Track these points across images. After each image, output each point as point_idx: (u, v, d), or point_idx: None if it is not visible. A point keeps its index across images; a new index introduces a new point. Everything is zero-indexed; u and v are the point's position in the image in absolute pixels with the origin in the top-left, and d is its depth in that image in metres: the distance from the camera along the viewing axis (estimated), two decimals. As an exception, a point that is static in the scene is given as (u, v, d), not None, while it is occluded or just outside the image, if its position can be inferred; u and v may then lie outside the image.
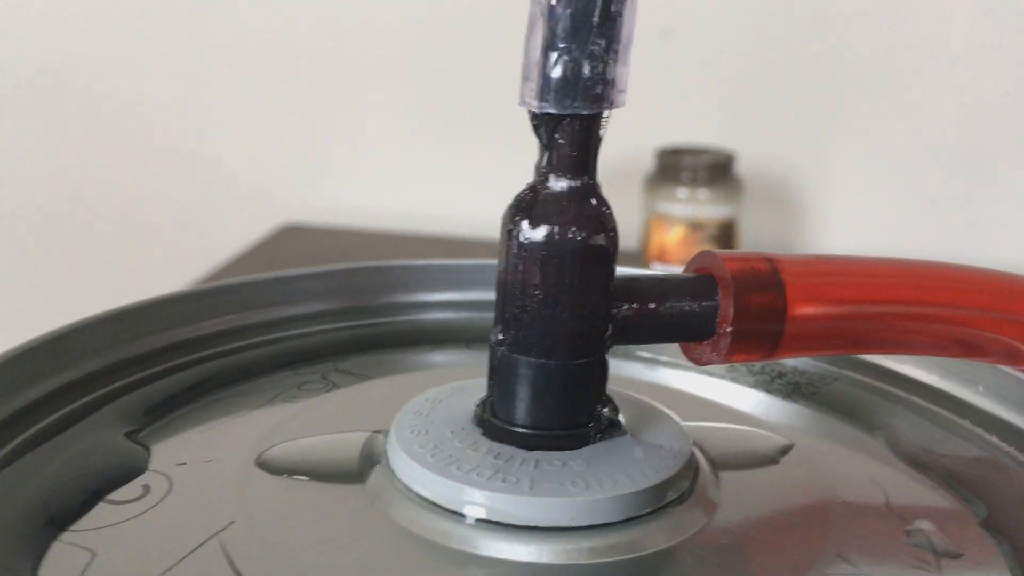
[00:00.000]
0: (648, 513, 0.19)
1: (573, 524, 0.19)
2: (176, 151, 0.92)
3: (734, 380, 0.26)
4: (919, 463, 0.23)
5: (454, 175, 0.87)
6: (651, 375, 0.27)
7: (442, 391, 0.22)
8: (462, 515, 0.19)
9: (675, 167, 0.78)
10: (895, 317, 0.22)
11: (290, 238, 0.88)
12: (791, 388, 0.26)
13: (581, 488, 0.19)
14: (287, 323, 0.27)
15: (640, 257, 0.79)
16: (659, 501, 0.19)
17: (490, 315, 0.27)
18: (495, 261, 0.30)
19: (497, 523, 0.19)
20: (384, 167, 0.89)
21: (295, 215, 0.91)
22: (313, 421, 0.23)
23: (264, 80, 0.89)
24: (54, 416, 0.21)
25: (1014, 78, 0.79)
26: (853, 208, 0.84)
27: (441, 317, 0.29)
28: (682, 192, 0.78)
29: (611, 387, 0.21)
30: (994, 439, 0.23)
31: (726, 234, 0.78)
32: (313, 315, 0.27)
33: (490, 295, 0.28)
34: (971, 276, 0.23)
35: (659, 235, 0.79)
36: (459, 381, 0.23)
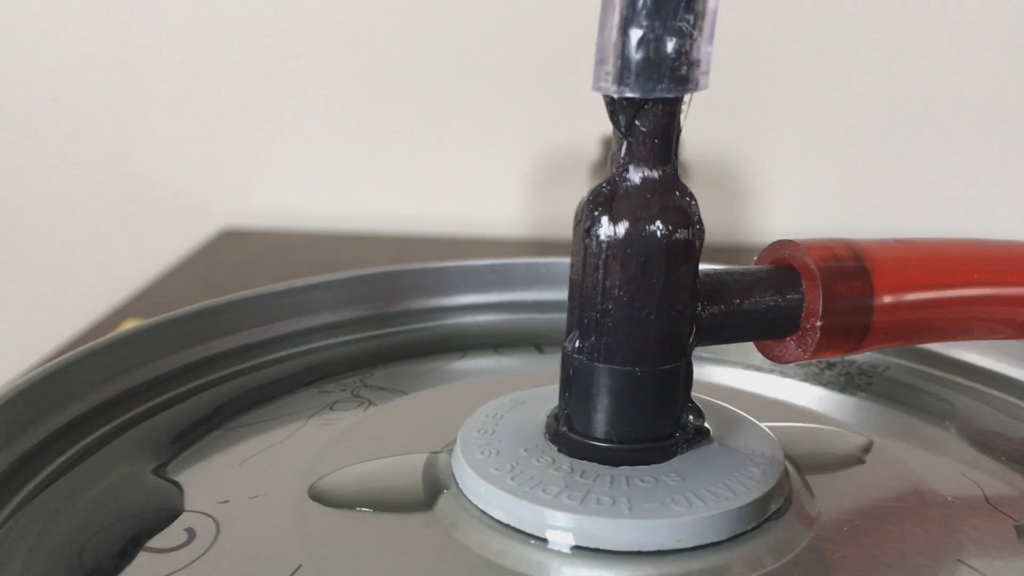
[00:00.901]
0: (752, 529, 0.18)
1: (679, 547, 0.17)
2: (106, 161, 0.87)
3: (783, 374, 0.25)
4: (999, 453, 0.22)
5: (389, 172, 0.85)
6: (697, 373, 0.25)
7: (500, 405, 0.20)
8: (551, 542, 0.17)
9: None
10: (971, 301, 0.21)
11: (229, 243, 0.84)
12: (844, 380, 0.25)
13: (684, 506, 0.17)
14: (300, 337, 0.25)
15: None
16: (763, 515, 0.18)
17: (514, 316, 0.25)
18: (512, 260, 0.28)
19: (593, 549, 0.17)
20: (319, 167, 0.86)
21: (232, 220, 0.88)
22: (361, 444, 0.20)
23: (193, 84, 0.85)
24: (68, 454, 0.19)
25: (945, 52, 0.80)
26: (797, 188, 0.85)
27: (463, 321, 0.27)
28: (632, 180, 0.77)
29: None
30: (1066, 423, 0.23)
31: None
32: (328, 327, 0.25)
33: (512, 296, 0.26)
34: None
35: (611, 224, 0.78)
36: (515, 392, 0.21)
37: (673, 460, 0.19)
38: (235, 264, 0.80)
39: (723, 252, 0.84)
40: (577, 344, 0.18)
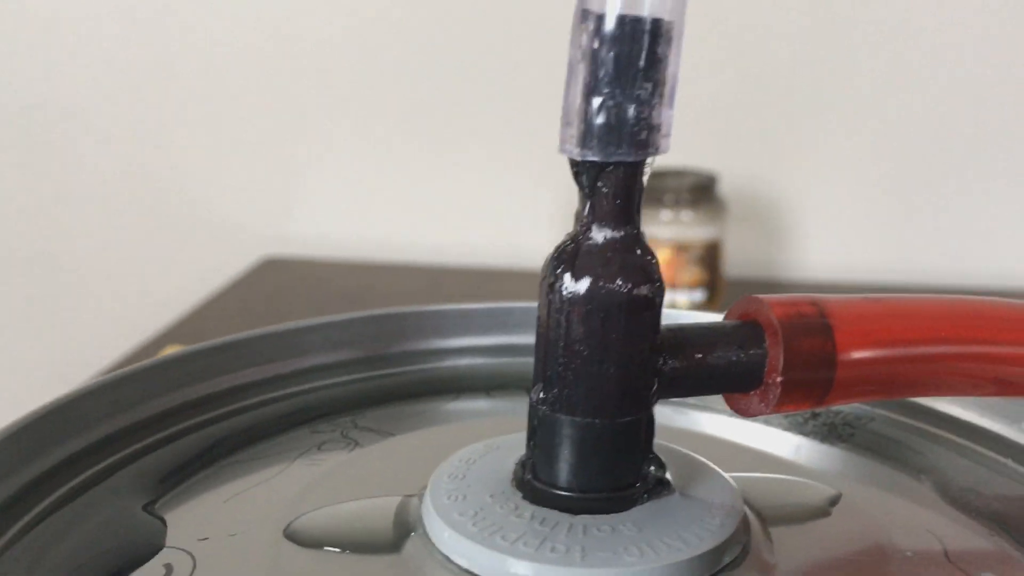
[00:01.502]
0: (706, 579, 0.18)
1: (630, 595, 0.18)
2: (150, 187, 0.90)
3: (767, 422, 0.26)
4: (970, 508, 0.22)
5: (424, 201, 0.86)
6: (682, 420, 0.26)
7: (476, 450, 0.21)
8: (510, 587, 0.18)
9: (657, 189, 0.78)
10: (941, 358, 0.21)
11: (269, 272, 0.86)
12: (827, 430, 0.25)
13: (635, 556, 0.18)
14: (299, 377, 0.26)
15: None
16: (716, 565, 0.18)
17: (510, 360, 0.26)
18: (511, 304, 0.29)
19: (548, 595, 0.18)
20: (357, 196, 0.88)
21: (273, 247, 0.90)
22: (340, 486, 0.21)
23: (237, 113, 0.88)
24: (59, 492, 0.20)
25: (986, 92, 0.79)
26: (836, 224, 0.84)
27: (459, 364, 0.27)
28: (665, 214, 0.78)
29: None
30: (1042, 480, 0.23)
31: (711, 255, 0.78)
32: (326, 367, 0.26)
33: (508, 339, 0.27)
34: (1010, 311, 0.22)
35: (644, 258, 0.79)
36: (492, 439, 0.22)
37: (633, 510, 0.19)
38: (274, 292, 0.82)
39: (759, 287, 0.84)
40: (541, 395, 0.19)
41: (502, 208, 0.85)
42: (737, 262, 0.83)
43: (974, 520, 0.21)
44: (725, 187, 0.79)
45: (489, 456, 0.21)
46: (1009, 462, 0.23)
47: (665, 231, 0.77)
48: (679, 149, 0.81)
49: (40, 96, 0.88)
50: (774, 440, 0.25)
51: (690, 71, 0.92)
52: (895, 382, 0.21)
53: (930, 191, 0.82)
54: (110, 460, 0.21)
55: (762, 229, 0.86)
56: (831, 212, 0.84)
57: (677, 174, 0.79)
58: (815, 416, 0.26)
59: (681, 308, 0.78)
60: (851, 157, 0.82)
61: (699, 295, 0.78)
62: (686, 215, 0.77)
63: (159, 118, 0.88)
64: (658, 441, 0.21)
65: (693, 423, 0.26)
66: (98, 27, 0.87)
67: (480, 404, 0.26)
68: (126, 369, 0.22)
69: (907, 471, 0.24)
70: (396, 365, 0.27)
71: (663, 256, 0.78)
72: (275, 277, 0.86)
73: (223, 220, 0.90)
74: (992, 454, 0.24)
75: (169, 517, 0.20)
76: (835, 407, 0.26)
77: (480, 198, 0.86)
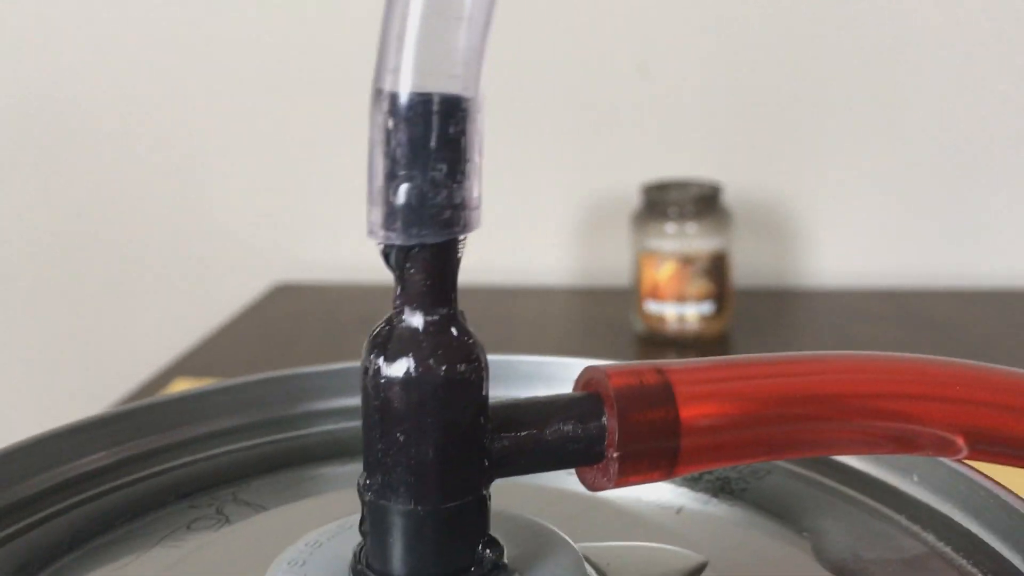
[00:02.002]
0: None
1: None
2: (166, 212, 0.91)
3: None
4: (845, 571, 0.21)
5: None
6: (564, 480, 0.25)
7: (324, 533, 0.21)
8: None
9: (662, 202, 0.77)
10: (810, 417, 0.20)
11: (282, 297, 0.87)
12: (720, 485, 0.24)
13: (456, 649, 0.17)
14: (187, 447, 0.25)
15: (633, 295, 0.78)
16: (546, 654, 0.18)
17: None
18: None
19: None
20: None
21: (285, 273, 0.90)
22: (196, 570, 0.21)
23: (249, 139, 0.89)
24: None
25: (997, 95, 0.77)
26: (843, 231, 0.83)
27: (347, 426, 0.27)
28: (670, 227, 0.77)
29: (502, 509, 0.20)
30: (930, 537, 0.22)
31: (718, 266, 0.77)
32: (211, 436, 0.26)
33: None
34: (897, 365, 0.21)
35: (651, 272, 0.78)
36: (348, 517, 0.21)
37: (467, 596, 0.19)
38: (286, 318, 0.83)
39: (771, 296, 0.83)
40: (367, 481, 0.19)
41: (512, 227, 0.84)
42: (747, 272, 0.81)
43: (845, 587, 0.20)
44: (731, 197, 0.78)
45: (336, 539, 0.20)
46: (902, 518, 0.23)
47: (670, 244, 0.76)
48: (683, 161, 0.81)
49: (58, 125, 0.90)
50: (661, 495, 0.24)
51: (692, 80, 0.92)
52: (759, 445, 0.20)
53: (938, 194, 0.80)
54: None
55: (771, 238, 0.84)
56: (840, 218, 0.82)
57: (681, 186, 0.78)
58: (709, 471, 0.25)
59: (690, 321, 0.77)
60: (858, 162, 0.81)
61: (707, 307, 0.76)
62: (691, 227, 0.76)
63: (171, 145, 0.90)
64: (512, 511, 0.20)
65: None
66: (113, 56, 0.88)
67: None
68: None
69: (792, 529, 0.23)
70: (288, 430, 0.27)
71: (670, 269, 0.77)
72: (287, 303, 0.87)
73: (235, 246, 0.91)
74: (885, 509, 0.23)
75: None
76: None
77: (490, 218, 0.85)
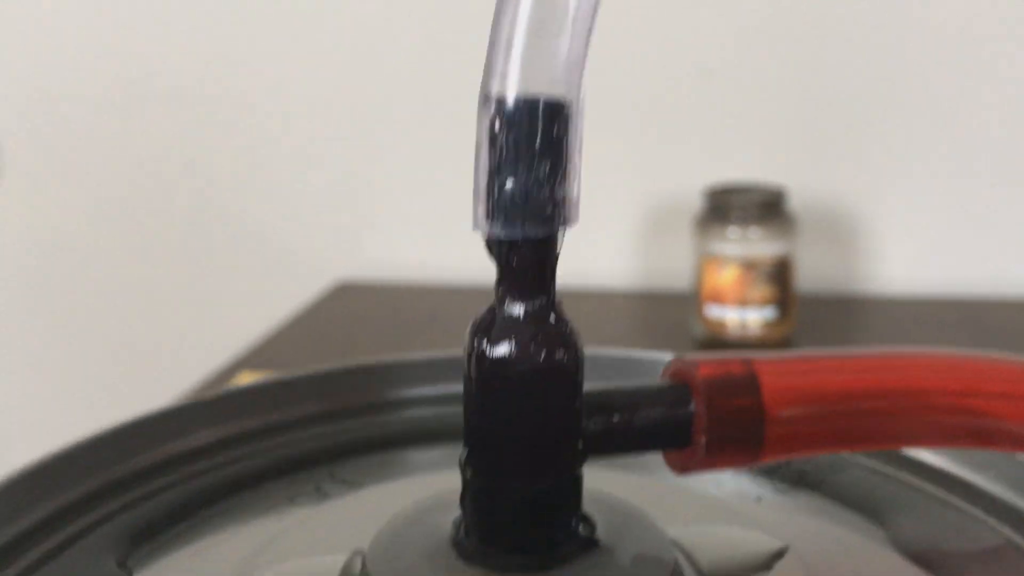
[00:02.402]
0: (626, 639, 0.19)
1: (546, 655, 0.18)
2: (226, 215, 0.94)
3: (736, 471, 0.26)
4: (924, 560, 0.22)
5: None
6: (649, 468, 0.26)
7: (422, 506, 0.22)
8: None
9: (725, 206, 0.77)
10: (889, 411, 0.21)
11: (343, 296, 0.89)
12: (797, 477, 0.25)
13: (555, 616, 0.18)
14: (282, 429, 0.27)
15: (694, 300, 0.78)
16: (637, 624, 0.19)
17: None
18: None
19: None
20: (434, 219, 0.90)
21: (347, 272, 0.92)
22: (300, 540, 0.23)
23: (312, 140, 0.91)
24: (38, 549, 0.22)
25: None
26: (910, 237, 0.82)
27: (439, 412, 0.28)
28: (733, 231, 0.77)
29: (594, 490, 0.21)
30: (1007, 530, 0.22)
31: (781, 272, 0.77)
32: (309, 418, 0.27)
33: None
34: (972, 363, 0.22)
35: (712, 276, 0.78)
36: (443, 494, 0.22)
37: (561, 568, 0.20)
38: (347, 317, 0.85)
39: (834, 303, 0.82)
40: (468, 459, 0.20)
41: (574, 229, 0.85)
42: (811, 277, 0.81)
43: (925, 573, 0.21)
44: (797, 202, 0.78)
45: (434, 513, 0.22)
46: (979, 512, 0.23)
47: (733, 248, 0.77)
48: (747, 165, 0.81)
49: (131, 123, 0.93)
50: (740, 485, 0.25)
51: (757, 83, 0.92)
52: (841, 435, 0.21)
53: (1007, 202, 0.79)
54: (88, 519, 0.23)
55: (836, 243, 0.84)
56: (907, 225, 0.82)
57: (744, 190, 0.78)
58: (788, 464, 0.26)
59: (751, 327, 0.77)
60: (925, 168, 0.80)
61: (770, 312, 0.76)
62: (754, 231, 0.76)
63: (239, 145, 0.92)
64: (601, 492, 0.21)
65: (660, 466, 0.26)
66: (184, 55, 0.91)
67: (455, 453, 0.27)
68: (103, 430, 0.24)
69: (869, 521, 0.23)
70: (376, 415, 0.28)
71: (732, 274, 0.78)
72: (348, 302, 0.89)
73: (298, 245, 0.93)
74: (963, 503, 0.23)
75: (138, 572, 0.22)
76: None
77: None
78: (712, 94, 0.82)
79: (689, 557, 0.21)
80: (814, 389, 0.21)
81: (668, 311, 0.83)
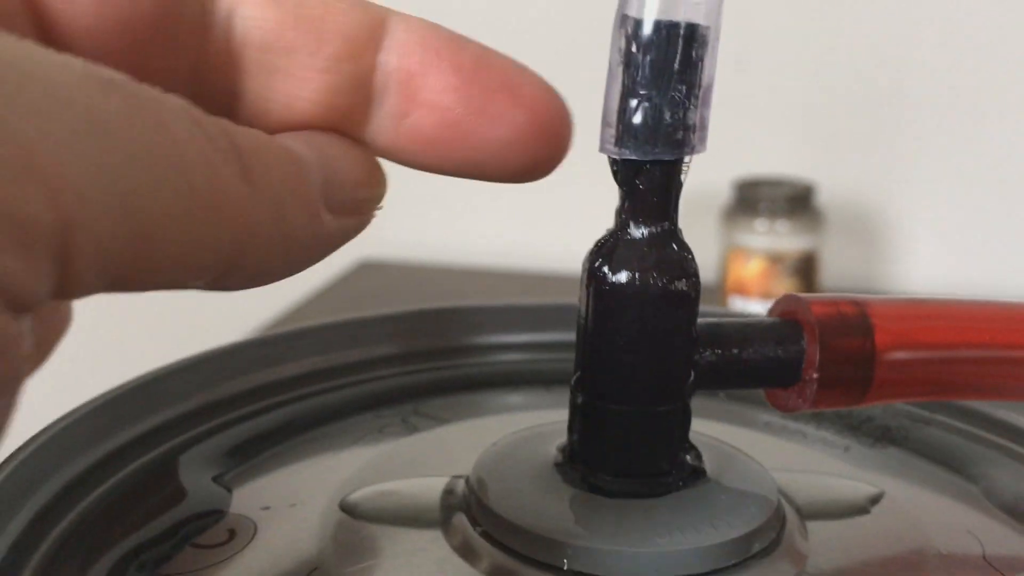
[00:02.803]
0: (733, 565, 0.19)
1: (657, 576, 0.18)
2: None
3: (819, 424, 0.26)
4: (1019, 514, 0.22)
5: (519, 208, 0.87)
6: (736, 417, 0.26)
7: (523, 435, 0.22)
8: (544, 564, 0.19)
9: (753, 199, 0.77)
10: (991, 362, 0.21)
11: (366, 274, 0.89)
12: (881, 432, 0.25)
13: (666, 539, 0.18)
14: (367, 366, 0.27)
15: (718, 291, 0.78)
16: (745, 552, 0.19)
17: (570, 357, 0.27)
18: (574, 301, 0.30)
19: (580, 572, 0.18)
20: (458, 199, 0.90)
21: (370, 250, 0.92)
22: (395, 465, 0.23)
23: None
24: (143, 459, 0.22)
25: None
26: (938, 236, 0.82)
27: (521, 358, 0.28)
28: (761, 224, 0.77)
29: (694, 430, 0.21)
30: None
31: (806, 266, 0.77)
32: (392, 357, 0.27)
33: (571, 336, 0.28)
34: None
35: (737, 268, 0.78)
36: (538, 425, 0.22)
37: (668, 496, 0.20)
38: (368, 295, 0.85)
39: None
40: (580, 382, 0.20)
41: (600, 216, 0.85)
42: (836, 274, 0.82)
43: (1021, 524, 0.21)
44: (825, 197, 0.78)
45: (534, 441, 0.22)
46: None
47: (760, 241, 0.77)
48: (776, 159, 0.82)
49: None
50: (825, 440, 0.25)
51: (789, 77, 0.92)
52: (940, 384, 0.21)
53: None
54: (184, 436, 0.23)
55: (863, 240, 0.84)
56: (934, 223, 0.82)
57: (773, 184, 0.78)
58: (870, 420, 0.26)
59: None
60: (954, 167, 0.80)
61: (794, 306, 0.77)
62: (782, 225, 0.77)
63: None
64: (701, 433, 0.21)
65: (747, 421, 0.26)
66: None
67: (538, 398, 0.27)
68: (207, 350, 0.24)
69: (958, 475, 0.24)
70: (459, 358, 0.28)
71: (757, 266, 0.78)
72: (370, 279, 0.89)
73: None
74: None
75: (237, 488, 0.22)
76: (891, 410, 0.26)
77: (579, 207, 0.86)
78: (745, 87, 0.83)
79: (788, 497, 0.21)
80: (923, 335, 0.21)
81: (692, 302, 0.83)
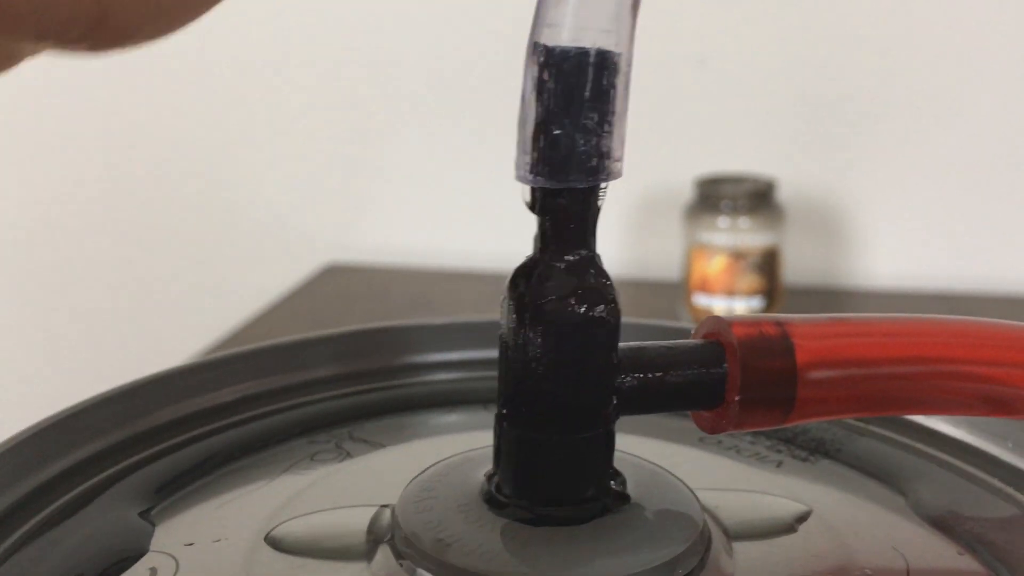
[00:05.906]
0: (657, 590, 0.19)
1: (579, 606, 0.18)
2: (223, 193, 0.93)
3: (754, 438, 0.26)
4: (945, 526, 0.22)
5: (487, 209, 0.87)
6: (670, 432, 0.26)
7: (451, 463, 0.22)
8: (467, 596, 0.18)
9: (715, 196, 0.77)
10: (914, 377, 0.21)
11: (333, 279, 0.89)
12: (815, 444, 0.25)
13: (588, 567, 0.18)
14: (301, 389, 0.27)
15: (682, 288, 0.79)
16: (669, 577, 0.19)
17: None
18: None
19: (500, 605, 0.18)
20: (424, 202, 0.90)
21: (337, 254, 0.92)
22: (324, 495, 0.22)
23: (303, 122, 0.90)
24: (66, 497, 0.21)
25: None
26: (897, 231, 0.83)
27: (459, 376, 0.28)
28: (723, 221, 0.77)
29: (620, 451, 0.21)
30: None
31: (769, 262, 0.77)
32: (328, 379, 0.27)
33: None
34: (995, 331, 0.22)
35: (701, 265, 0.79)
36: (470, 450, 0.22)
37: (592, 522, 0.20)
38: (336, 298, 0.85)
39: (821, 294, 0.83)
40: (504, 411, 0.20)
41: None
42: (798, 269, 0.82)
43: (947, 539, 0.21)
44: (785, 193, 0.78)
45: (463, 468, 0.22)
46: (996, 481, 0.23)
47: (722, 238, 0.77)
48: (737, 156, 0.82)
49: (117, 110, 0.92)
50: (758, 454, 0.25)
51: (750, 74, 0.92)
52: (864, 400, 0.21)
53: (996, 197, 0.80)
54: (111, 470, 0.23)
55: (824, 236, 0.85)
56: (895, 219, 0.83)
57: (734, 180, 0.78)
58: (805, 432, 0.26)
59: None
60: (914, 162, 0.81)
61: (757, 303, 0.77)
62: (743, 222, 0.77)
63: (226, 127, 0.91)
64: (628, 453, 0.21)
65: (678, 437, 0.26)
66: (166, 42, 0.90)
67: (476, 417, 0.27)
68: (128, 383, 0.24)
69: (888, 487, 0.24)
70: (396, 378, 0.28)
71: (721, 263, 0.78)
72: (338, 283, 0.88)
73: (289, 227, 0.93)
74: (981, 473, 0.24)
75: (161, 523, 0.21)
76: (825, 423, 0.26)
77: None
78: (705, 84, 0.83)
79: (714, 518, 0.21)
80: (844, 353, 0.21)
81: (656, 300, 0.83)
